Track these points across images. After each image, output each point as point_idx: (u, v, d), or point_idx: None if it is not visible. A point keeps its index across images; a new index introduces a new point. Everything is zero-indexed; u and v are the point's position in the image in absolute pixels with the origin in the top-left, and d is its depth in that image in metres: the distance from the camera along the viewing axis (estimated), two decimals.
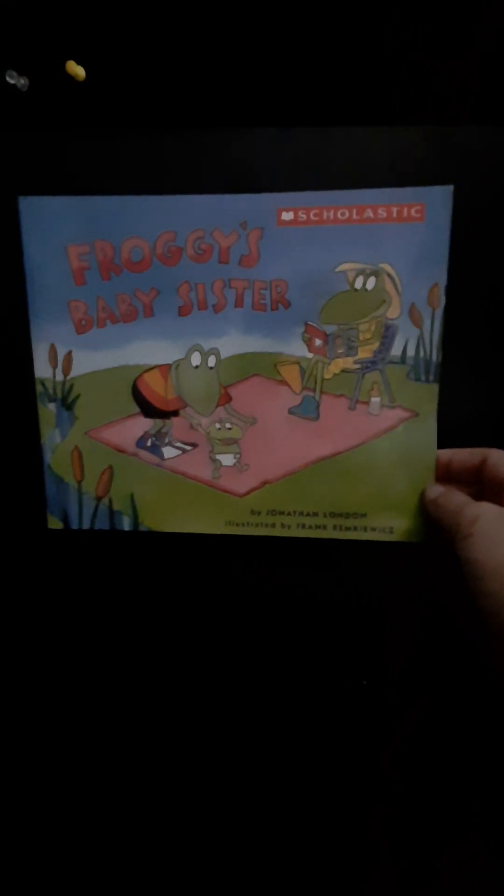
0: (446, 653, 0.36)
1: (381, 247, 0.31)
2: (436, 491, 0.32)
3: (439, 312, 0.31)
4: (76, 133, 0.33)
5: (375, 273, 0.31)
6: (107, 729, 0.38)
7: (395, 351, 0.32)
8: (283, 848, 0.37)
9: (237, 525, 0.35)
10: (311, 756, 0.37)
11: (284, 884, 0.36)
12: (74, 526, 0.35)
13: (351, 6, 0.32)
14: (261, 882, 0.37)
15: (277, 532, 0.35)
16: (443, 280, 0.31)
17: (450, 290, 0.31)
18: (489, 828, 0.36)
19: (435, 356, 0.32)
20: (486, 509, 0.28)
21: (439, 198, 0.30)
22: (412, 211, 0.31)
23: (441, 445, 0.32)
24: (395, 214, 0.31)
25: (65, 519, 0.35)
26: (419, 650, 0.36)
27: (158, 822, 0.38)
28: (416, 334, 0.32)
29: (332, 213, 0.31)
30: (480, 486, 0.31)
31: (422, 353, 0.32)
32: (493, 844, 0.36)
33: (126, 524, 0.35)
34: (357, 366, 0.33)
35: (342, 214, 0.31)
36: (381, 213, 0.31)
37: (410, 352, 0.32)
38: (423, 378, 0.32)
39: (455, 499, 0.30)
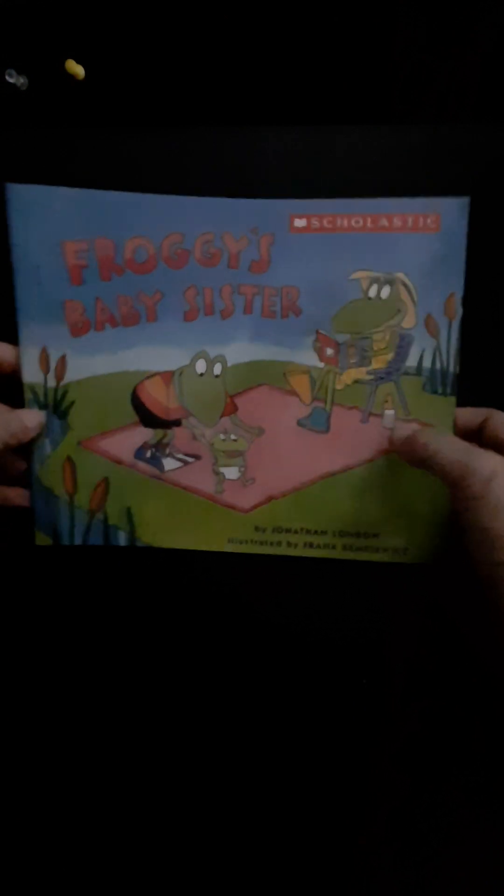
0: (448, 651, 0.35)
1: (395, 255, 0.30)
2: (410, 428, 0.29)
3: (456, 323, 0.30)
4: (81, 132, 0.32)
5: (390, 281, 0.31)
6: (106, 752, 0.35)
7: (411, 362, 0.31)
8: (284, 847, 0.35)
9: (240, 542, 0.33)
10: (312, 755, 0.35)
11: (285, 883, 0.35)
12: (65, 542, 0.32)
13: (354, 7, 0.32)
14: (261, 882, 0.35)
15: (283, 551, 0.33)
16: (459, 290, 0.30)
17: (467, 300, 0.30)
18: (491, 827, 0.35)
19: (452, 367, 0.31)
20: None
21: (455, 209, 0.30)
22: (427, 221, 0.30)
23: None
24: (410, 224, 0.30)
25: (54, 535, 0.32)
26: (420, 648, 0.35)
27: (162, 823, 0.36)
28: (433, 345, 0.31)
29: (345, 220, 0.30)
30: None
31: (438, 365, 0.31)
32: (494, 844, 0.35)
33: (122, 539, 0.32)
34: (370, 376, 0.31)
35: (356, 222, 0.30)
36: (397, 221, 0.30)
37: (426, 363, 0.31)
38: (439, 390, 0.31)
39: (456, 445, 0.26)
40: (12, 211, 0.30)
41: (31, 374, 0.31)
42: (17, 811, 0.35)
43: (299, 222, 0.31)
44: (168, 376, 0.32)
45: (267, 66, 0.33)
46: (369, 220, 0.30)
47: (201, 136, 0.32)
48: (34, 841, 0.35)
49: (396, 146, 0.31)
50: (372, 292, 0.31)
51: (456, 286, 0.30)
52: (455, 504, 0.25)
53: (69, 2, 0.32)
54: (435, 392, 0.31)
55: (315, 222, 0.31)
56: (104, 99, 0.33)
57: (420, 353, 0.31)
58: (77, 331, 0.31)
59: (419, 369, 0.31)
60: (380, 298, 0.31)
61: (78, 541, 0.32)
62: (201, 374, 0.32)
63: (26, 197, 0.30)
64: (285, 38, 0.33)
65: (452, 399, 0.31)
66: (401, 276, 0.31)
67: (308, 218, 0.31)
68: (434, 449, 0.27)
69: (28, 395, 0.31)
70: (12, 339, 0.31)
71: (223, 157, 0.32)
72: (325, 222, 0.31)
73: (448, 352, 0.31)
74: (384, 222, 0.30)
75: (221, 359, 0.32)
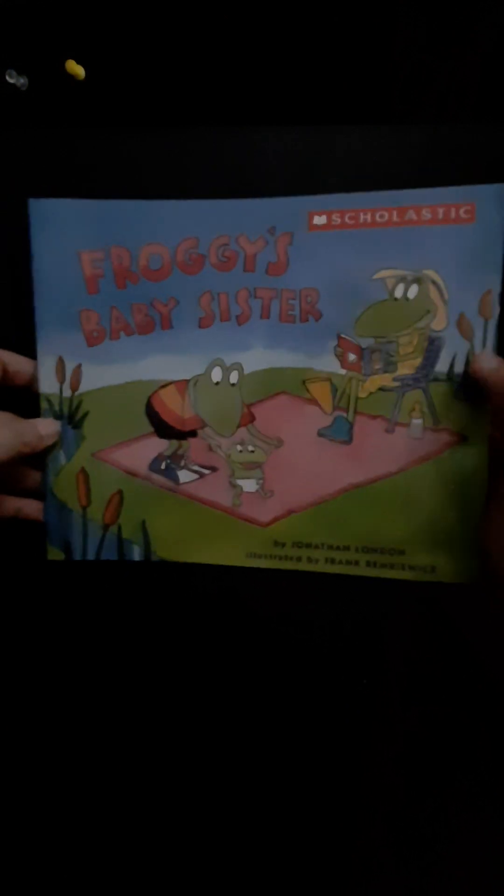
0: (448, 651, 0.33)
1: (424, 251, 0.28)
2: (496, 359, 0.27)
3: (493, 323, 0.28)
4: (81, 132, 0.31)
5: (418, 280, 0.28)
6: (121, 768, 0.35)
7: (441, 367, 0.29)
8: (283, 848, 0.35)
9: (259, 557, 0.31)
10: (312, 756, 0.34)
11: (284, 884, 0.35)
12: (77, 557, 0.32)
13: (354, 7, 0.31)
14: (261, 882, 0.35)
15: (303, 566, 0.31)
16: (496, 286, 0.27)
17: None
18: (492, 830, 0.34)
19: None
20: None
21: (492, 196, 0.27)
22: (461, 211, 0.27)
23: (493, 473, 0.28)
24: (441, 215, 0.28)
25: (67, 549, 0.32)
26: (420, 647, 0.34)
27: (165, 826, 0.35)
28: (466, 348, 0.28)
29: (369, 215, 0.28)
30: None
31: None
32: (494, 848, 0.34)
33: (136, 554, 0.32)
34: (396, 383, 0.29)
35: (381, 217, 0.28)
36: (426, 214, 0.28)
37: (459, 367, 0.28)
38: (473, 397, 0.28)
39: None
40: (34, 225, 0.30)
41: (47, 384, 0.31)
42: (29, 827, 0.35)
43: (318, 220, 0.29)
44: (183, 385, 0.31)
45: (267, 66, 0.32)
46: (395, 213, 0.28)
47: (201, 136, 0.31)
48: (56, 857, 0.36)
49: (396, 146, 0.30)
50: (398, 292, 0.28)
51: (492, 282, 0.27)
52: None
53: (69, 2, 0.32)
54: (468, 399, 0.28)
55: (336, 219, 0.29)
56: (104, 99, 0.32)
57: (451, 357, 0.28)
58: (93, 340, 0.31)
59: (450, 374, 0.28)
60: (406, 299, 0.28)
61: (91, 556, 0.32)
62: (217, 383, 0.31)
63: (47, 210, 0.30)
64: (285, 38, 0.32)
65: (488, 407, 0.28)
66: (430, 273, 0.28)
67: (328, 215, 0.29)
68: None
69: (44, 406, 0.31)
70: (30, 349, 0.31)
71: (223, 157, 0.31)
72: (346, 218, 0.29)
73: None
74: (412, 215, 0.28)
75: (238, 366, 0.30)
